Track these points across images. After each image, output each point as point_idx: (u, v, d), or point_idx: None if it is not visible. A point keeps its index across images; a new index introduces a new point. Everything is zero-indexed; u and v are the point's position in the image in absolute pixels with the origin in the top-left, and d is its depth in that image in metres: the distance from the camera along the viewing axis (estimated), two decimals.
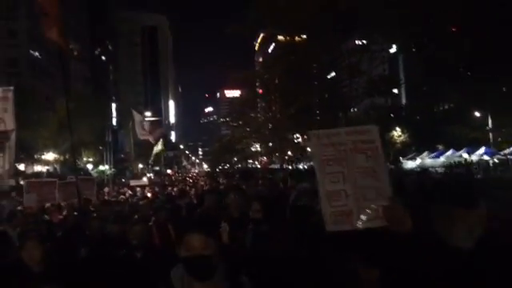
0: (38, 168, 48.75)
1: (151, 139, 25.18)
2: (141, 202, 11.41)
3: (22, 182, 15.77)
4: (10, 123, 12.81)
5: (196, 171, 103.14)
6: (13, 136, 13.32)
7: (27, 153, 36.47)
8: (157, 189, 18.40)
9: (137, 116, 25.15)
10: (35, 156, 43.39)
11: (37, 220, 7.75)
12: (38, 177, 34.84)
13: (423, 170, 8.06)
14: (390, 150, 54.05)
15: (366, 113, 51.92)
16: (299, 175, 9.54)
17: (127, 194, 18.40)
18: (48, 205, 10.38)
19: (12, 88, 13.66)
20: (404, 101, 66.79)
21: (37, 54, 64.38)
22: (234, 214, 4.36)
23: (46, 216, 9.02)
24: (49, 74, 66.90)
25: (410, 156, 51.27)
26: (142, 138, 25.76)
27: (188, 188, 18.83)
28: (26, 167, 42.28)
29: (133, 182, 25.55)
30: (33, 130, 34.78)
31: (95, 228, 5.78)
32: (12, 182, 12.66)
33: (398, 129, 52.82)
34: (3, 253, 5.48)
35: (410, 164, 49.38)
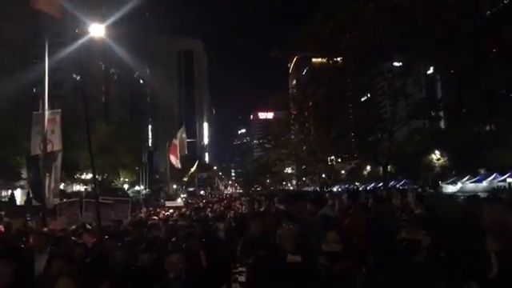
0: (76, 188, 50.24)
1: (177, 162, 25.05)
2: (180, 222, 10.90)
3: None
4: (57, 144, 13.39)
5: (229, 192, 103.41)
6: (59, 156, 13.85)
7: (68, 173, 37.63)
8: (187, 212, 18.01)
9: (179, 133, 25.40)
10: (75, 176, 44.71)
11: (69, 244, 6.97)
12: (78, 196, 35.76)
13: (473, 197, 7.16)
14: (429, 174, 52.50)
15: (410, 136, 50.84)
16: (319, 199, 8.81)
17: (161, 215, 17.91)
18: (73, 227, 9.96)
19: (59, 110, 14.29)
20: (443, 123, 65.05)
21: (79, 77, 67.13)
22: (287, 246, 3.72)
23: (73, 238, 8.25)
24: (90, 97, 69.50)
25: (450, 180, 49.52)
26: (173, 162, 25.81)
27: (223, 208, 18.62)
28: (65, 186, 43.60)
29: (168, 203, 25.38)
30: (74, 150, 35.93)
31: (120, 259, 4.99)
32: (56, 201, 12.85)
33: (437, 152, 51.28)
34: (24, 271, 5.13)
35: (450, 188, 47.65)
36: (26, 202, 29.31)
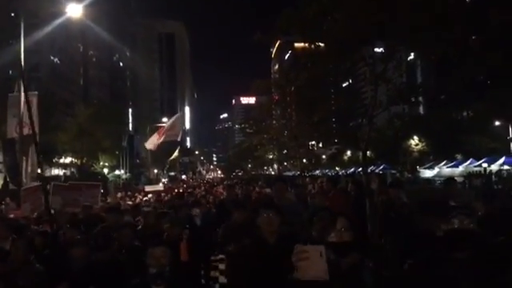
0: (55, 172, 49.48)
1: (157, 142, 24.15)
2: (145, 209, 9.95)
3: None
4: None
5: (211, 177, 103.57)
6: (36, 139, 13.52)
7: (46, 157, 36.95)
8: (161, 197, 17.11)
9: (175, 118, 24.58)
10: (54, 160, 44.01)
11: (31, 232, 6.48)
12: (56, 180, 35.21)
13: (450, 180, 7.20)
14: (407, 159, 53.48)
15: (390, 121, 51.52)
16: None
17: (138, 200, 16.88)
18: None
19: (36, 93, 14.01)
20: (422, 109, 66.06)
21: (57, 60, 65.55)
22: (270, 239, 3.26)
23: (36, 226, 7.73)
24: (68, 79, 68.03)
25: (427, 165, 50.54)
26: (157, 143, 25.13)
27: (204, 193, 18.55)
28: (43, 171, 42.98)
29: (148, 188, 24.92)
30: (52, 134, 35.25)
31: (80, 256, 4.32)
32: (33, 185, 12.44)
33: (415, 137, 52.20)
34: None
35: (427, 173, 48.67)
36: (2, 186, 28.77)
